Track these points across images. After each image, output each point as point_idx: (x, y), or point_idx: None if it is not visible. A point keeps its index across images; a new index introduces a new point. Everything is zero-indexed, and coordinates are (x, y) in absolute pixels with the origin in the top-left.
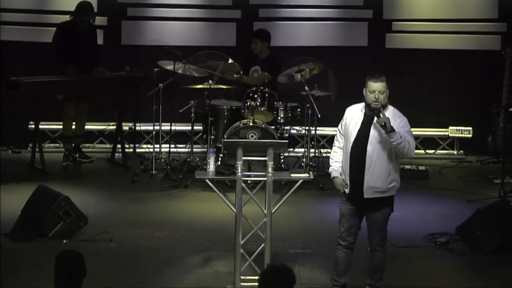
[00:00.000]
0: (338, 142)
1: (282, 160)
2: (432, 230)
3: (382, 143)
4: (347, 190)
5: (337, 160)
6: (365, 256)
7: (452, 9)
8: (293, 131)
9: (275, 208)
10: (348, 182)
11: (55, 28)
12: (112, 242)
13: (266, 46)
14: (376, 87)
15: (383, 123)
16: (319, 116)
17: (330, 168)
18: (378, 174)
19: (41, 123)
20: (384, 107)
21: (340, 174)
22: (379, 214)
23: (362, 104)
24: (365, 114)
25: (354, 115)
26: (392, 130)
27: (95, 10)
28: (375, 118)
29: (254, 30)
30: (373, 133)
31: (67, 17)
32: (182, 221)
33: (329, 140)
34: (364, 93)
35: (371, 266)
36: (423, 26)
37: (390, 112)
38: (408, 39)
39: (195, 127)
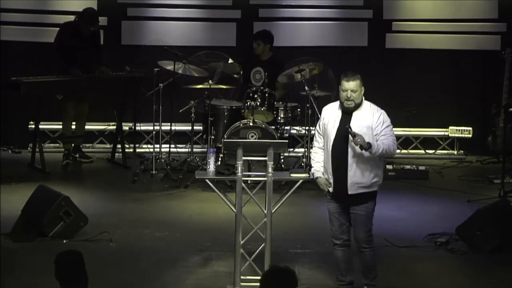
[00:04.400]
0: (318, 143)
1: (282, 160)
2: (432, 230)
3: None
4: (331, 189)
5: (318, 161)
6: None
7: (452, 9)
8: (293, 131)
9: (275, 208)
10: (331, 180)
11: (55, 28)
12: (112, 242)
13: (268, 48)
14: (348, 86)
15: (359, 146)
16: (319, 116)
17: (312, 169)
18: (361, 170)
19: (41, 123)
20: (359, 105)
21: (323, 174)
22: (363, 208)
23: (337, 103)
24: (342, 112)
25: (331, 114)
26: (370, 147)
27: (95, 9)
28: (350, 137)
29: (258, 31)
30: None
31: (67, 17)
32: (182, 221)
33: None
34: (339, 91)
35: (363, 266)
36: (423, 26)
37: (367, 108)
38: (408, 39)
39: (195, 127)
